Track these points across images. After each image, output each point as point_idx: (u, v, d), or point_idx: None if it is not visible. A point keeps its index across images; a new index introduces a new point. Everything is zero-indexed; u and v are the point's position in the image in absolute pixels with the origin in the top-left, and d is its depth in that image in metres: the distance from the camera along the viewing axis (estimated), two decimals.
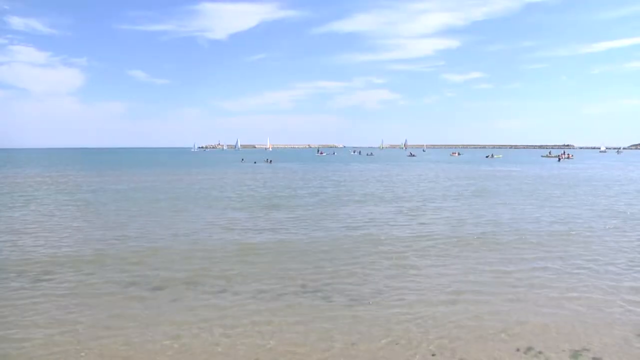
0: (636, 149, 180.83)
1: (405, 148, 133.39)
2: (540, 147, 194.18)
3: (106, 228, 11.30)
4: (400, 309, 5.89)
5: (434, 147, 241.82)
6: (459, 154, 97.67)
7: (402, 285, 6.86)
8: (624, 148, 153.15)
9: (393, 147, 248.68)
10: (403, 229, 11.25)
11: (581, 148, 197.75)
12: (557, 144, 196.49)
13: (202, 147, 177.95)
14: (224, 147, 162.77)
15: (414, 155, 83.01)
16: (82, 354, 4.73)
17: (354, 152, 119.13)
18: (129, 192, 19.86)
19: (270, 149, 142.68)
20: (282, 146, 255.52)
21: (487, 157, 74.99)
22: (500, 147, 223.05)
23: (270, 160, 54.38)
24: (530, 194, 19.09)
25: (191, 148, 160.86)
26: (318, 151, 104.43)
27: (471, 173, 34.21)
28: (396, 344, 4.92)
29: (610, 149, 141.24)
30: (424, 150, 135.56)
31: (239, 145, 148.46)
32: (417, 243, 9.66)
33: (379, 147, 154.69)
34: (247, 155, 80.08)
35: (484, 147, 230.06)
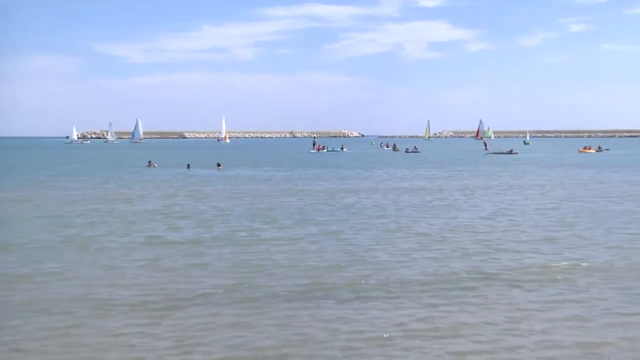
0: None
1: (485, 138, 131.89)
2: None
3: None
4: None
5: (543, 135, 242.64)
6: (599, 148, 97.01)
7: None
8: None
9: (458, 134, 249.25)
10: None
11: None
12: None
13: (80, 137, 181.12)
14: (109, 138, 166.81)
15: (514, 153, 79.44)
16: None
17: (383, 145, 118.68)
18: None
19: (228, 141, 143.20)
20: (241, 134, 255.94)
21: None
22: None
23: (220, 165, 55.60)
24: None
25: (66, 138, 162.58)
26: (314, 144, 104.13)
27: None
28: None
29: None
30: (526, 142, 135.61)
31: (141, 132, 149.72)
32: None
33: (423, 137, 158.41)
34: (163, 154, 77.12)
35: None
